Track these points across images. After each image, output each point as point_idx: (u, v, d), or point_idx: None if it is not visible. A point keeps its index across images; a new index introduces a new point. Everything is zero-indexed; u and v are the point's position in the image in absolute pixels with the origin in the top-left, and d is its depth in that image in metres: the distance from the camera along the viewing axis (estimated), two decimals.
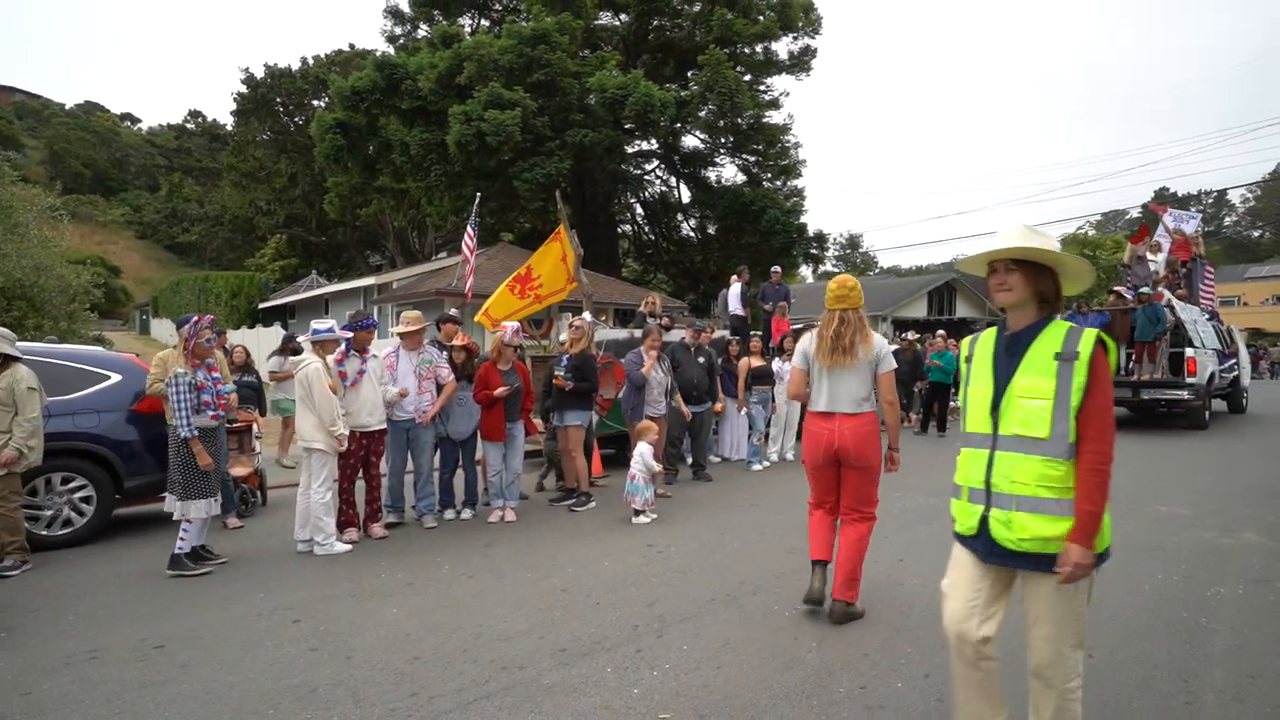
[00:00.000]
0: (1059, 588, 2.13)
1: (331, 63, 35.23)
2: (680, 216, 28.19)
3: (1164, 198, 61.27)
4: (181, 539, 4.69)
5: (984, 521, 2.22)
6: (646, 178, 28.49)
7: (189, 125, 53.45)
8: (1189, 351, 11.46)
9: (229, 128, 42.74)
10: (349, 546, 5.27)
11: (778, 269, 12.31)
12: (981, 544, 2.26)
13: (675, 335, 9.10)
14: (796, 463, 8.93)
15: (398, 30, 27.67)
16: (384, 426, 5.68)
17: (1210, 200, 75.13)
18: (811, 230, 23.78)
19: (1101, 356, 2.06)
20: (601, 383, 8.33)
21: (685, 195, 27.58)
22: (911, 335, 14.58)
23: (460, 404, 6.27)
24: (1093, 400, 2.05)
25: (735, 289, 11.32)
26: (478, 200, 12.77)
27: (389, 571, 4.76)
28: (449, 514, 6.37)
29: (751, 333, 10.88)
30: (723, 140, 24.34)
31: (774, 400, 8.87)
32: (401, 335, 5.99)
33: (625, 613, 3.92)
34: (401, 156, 20.82)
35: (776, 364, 8.85)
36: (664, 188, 28.80)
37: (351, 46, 36.46)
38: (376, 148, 22.34)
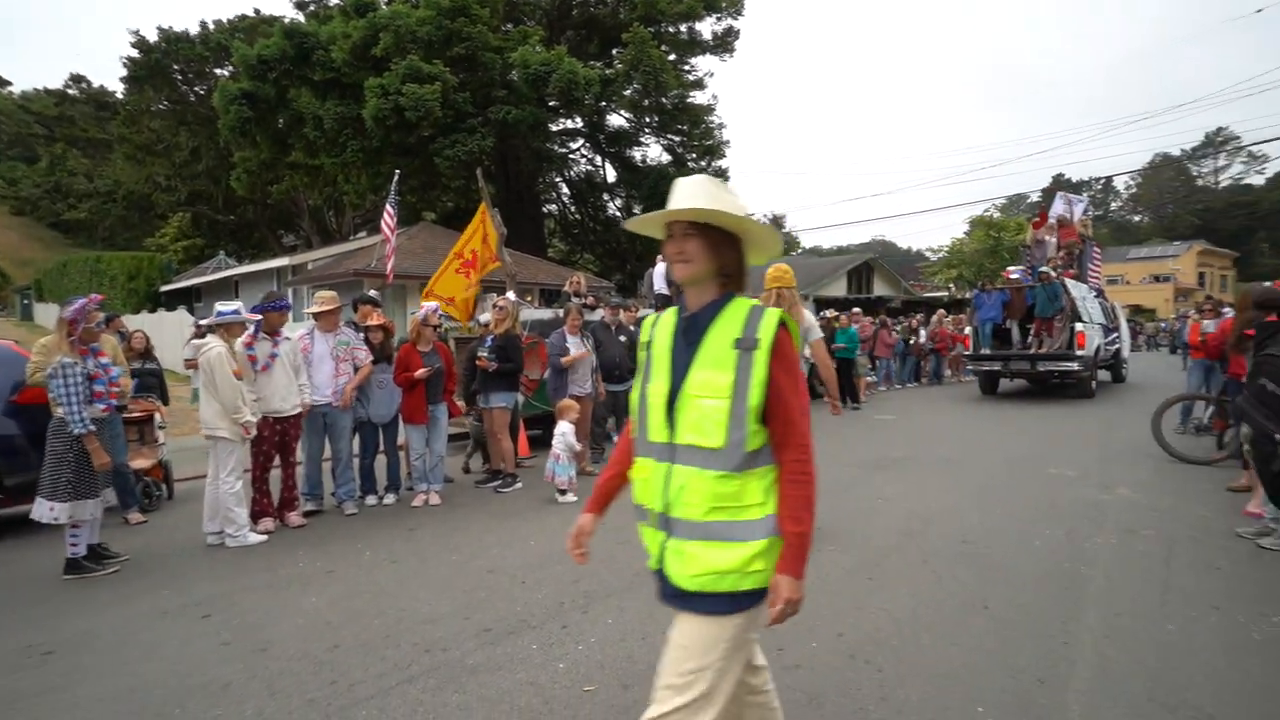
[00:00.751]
0: (707, 633, 1.67)
1: (235, 29, 32.90)
2: (606, 196, 28.06)
3: (1061, 183, 65.29)
4: (73, 544, 4.37)
5: (662, 552, 1.73)
6: (572, 156, 28.18)
7: (71, 91, 48.97)
8: (1078, 326, 12.33)
9: (119, 95, 39.46)
10: (264, 537, 5.08)
11: None
12: (659, 580, 1.78)
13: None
14: None
15: None
16: (299, 411, 5.48)
17: (1099, 186, 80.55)
18: None
19: (786, 341, 1.66)
20: (527, 363, 8.28)
21: (611, 174, 27.46)
22: (829, 313, 15.11)
23: (380, 386, 6.12)
24: (779, 396, 1.62)
25: (660, 268, 11.38)
26: (396, 177, 12.35)
27: (308, 560, 4.62)
28: (371, 500, 6.23)
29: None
30: (648, 120, 24.30)
31: None
32: (315, 316, 5.76)
33: (551, 591, 3.96)
34: (315, 131, 19.83)
35: None
36: (590, 167, 28.59)
37: (257, 12, 34.17)
38: (287, 121, 21.19)
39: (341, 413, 5.79)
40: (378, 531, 5.30)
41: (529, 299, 18.92)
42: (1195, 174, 78.19)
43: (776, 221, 73.63)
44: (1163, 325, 36.67)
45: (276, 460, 5.46)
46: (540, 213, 27.24)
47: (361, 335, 6.24)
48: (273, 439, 5.34)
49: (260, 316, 5.24)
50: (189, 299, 28.66)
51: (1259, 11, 69.24)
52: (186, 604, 3.92)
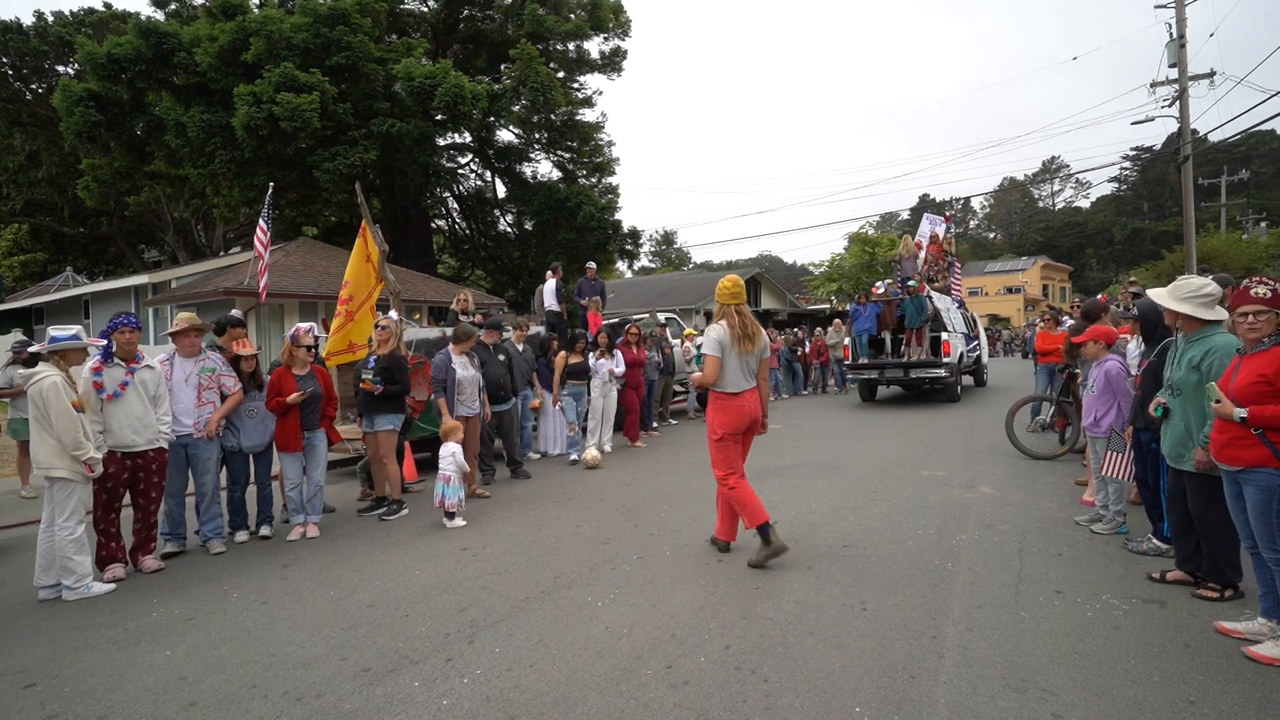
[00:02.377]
0: None
1: (80, 23, 29.87)
2: (497, 212, 27.68)
3: (927, 203, 70.74)
4: None
5: None
6: (461, 172, 27.62)
7: None
8: (944, 335, 13.37)
9: None
10: (112, 586, 4.58)
11: (592, 265, 12.50)
12: None
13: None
14: (614, 454, 9.19)
15: None
16: (157, 445, 4.96)
17: (960, 206, 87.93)
18: (626, 227, 24.47)
19: None
20: (413, 384, 7.98)
21: (501, 190, 27.12)
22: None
23: (251, 415, 5.70)
24: None
25: (550, 285, 11.36)
26: (271, 190, 11.65)
27: (163, 608, 4.20)
28: (242, 536, 5.76)
29: (578, 331, 10.97)
30: (537, 136, 24.22)
31: (588, 394, 9.02)
32: (172, 337, 5.29)
33: (436, 622, 3.80)
34: (177, 139, 18.29)
35: (592, 359, 9.00)
36: (479, 182, 28.11)
37: (108, 6, 31.26)
38: (145, 127, 19.44)
39: (205, 444, 5.33)
40: (247, 570, 4.91)
41: (417, 317, 18.30)
42: (1037, 197, 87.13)
43: (667, 238, 75.33)
44: (1016, 333, 40.32)
45: (126, 499, 4.95)
46: (428, 228, 26.45)
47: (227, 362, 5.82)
48: (121, 476, 4.81)
49: (105, 340, 4.74)
50: (26, 320, 25.63)
51: (1074, 59, 78.32)
52: (4, 672, 3.45)
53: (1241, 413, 3.04)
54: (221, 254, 27.47)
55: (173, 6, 24.20)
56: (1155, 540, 4.54)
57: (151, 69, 18.14)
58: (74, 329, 4.56)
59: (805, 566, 4.49)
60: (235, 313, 6.17)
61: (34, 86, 30.56)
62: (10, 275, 33.88)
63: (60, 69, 29.68)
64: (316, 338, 5.98)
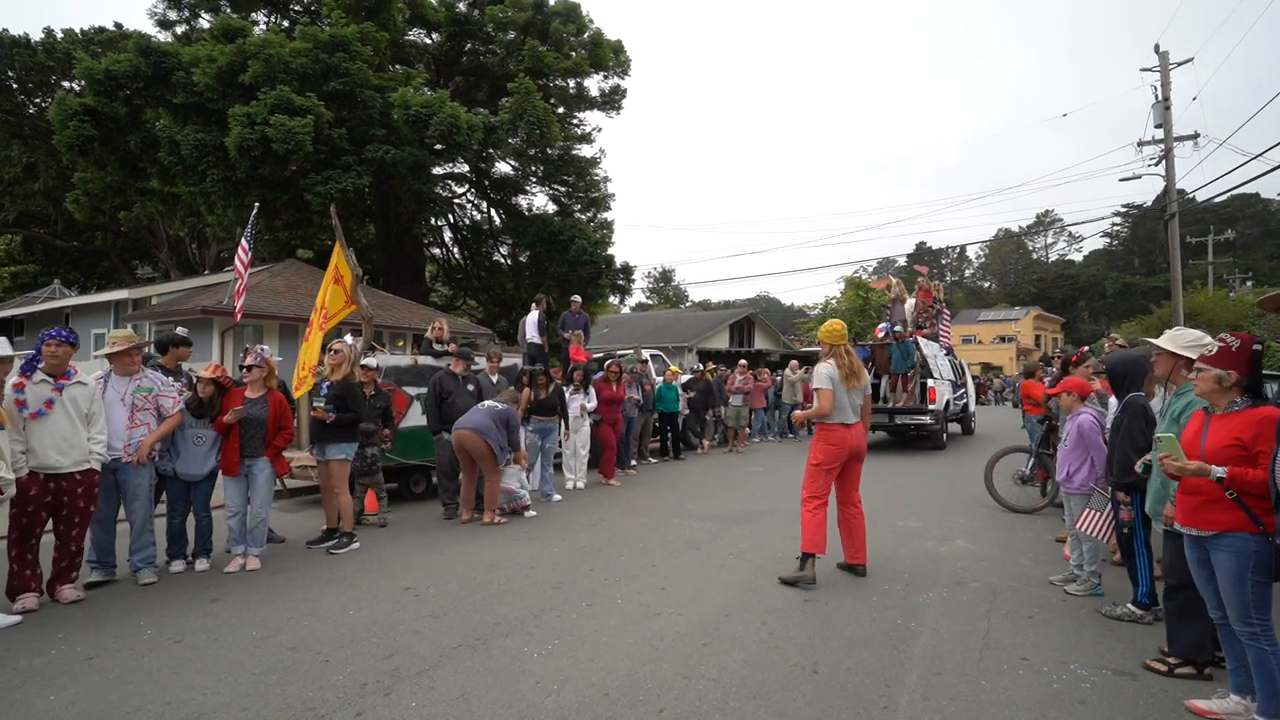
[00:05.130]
0: None
1: (90, 40, 30.19)
2: (493, 242, 27.70)
3: (923, 250, 71.51)
4: None
5: None
6: (458, 201, 27.72)
7: None
8: (930, 381, 13.23)
9: None
10: (17, 618, 4.26)
11: (577, 298, 12.37)
12: None
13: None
14: (586, 491, 8.92)
15: (172, 15, 24.55)
16: (85, 467, 4.66)
17: (955, 254, 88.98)
18: (619, 262, 24.46)
19: None
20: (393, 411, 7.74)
21: (498, 221, 27.20)
22: (709, 366, 15.41)
23: (198, 442, 5.44)
24: None
25: (533, 317, 11.21)
26: (255, 210, 11.59)
27: (66, 645, 3.90)
28: (177, 566, 5.47)
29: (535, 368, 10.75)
30: (533, 168, 24.36)
31: (564, 429, 8.79)
32: (109, 357, 5.07)
33: (356, 669, 3.52)
34: (170, 156, 18.28)
35: (566, 393, 8.80)
36: (477, 214, 28.20)
37: (118, 26, 31.69)
38: (140, 143, 19.46)
39: (135, 470, 5.05)
40: (171, 604, 4.62)
41: (400, 344, 18.12)
42: (1031, 248, 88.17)
43: (665, 275, 75.71)
44: (1007, 381, 40.29)
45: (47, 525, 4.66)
46: (421, 255, 26.42)
47: (177, 380, 5.60)
48: (43, 499, 4.52)
49: (33, 352, 4.52)
50: (7, 331, 25.34)
51: (1064, 115, 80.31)
52: None
53: (1220, 471, 2.85)
54: (205, 272, 27.33)
55: (180, 29, 24.51)
56: (1131, 605, 4.31)
57: (150, 87, 18.22)
58: None
59: (760, 621, 4.23)
60: (180, 331, 5.96)
61: (37, 100, 30.78)
62: None
63: (65, 84, 29.92)
64: (270, 358, 5.76)
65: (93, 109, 18.56)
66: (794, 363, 17.36)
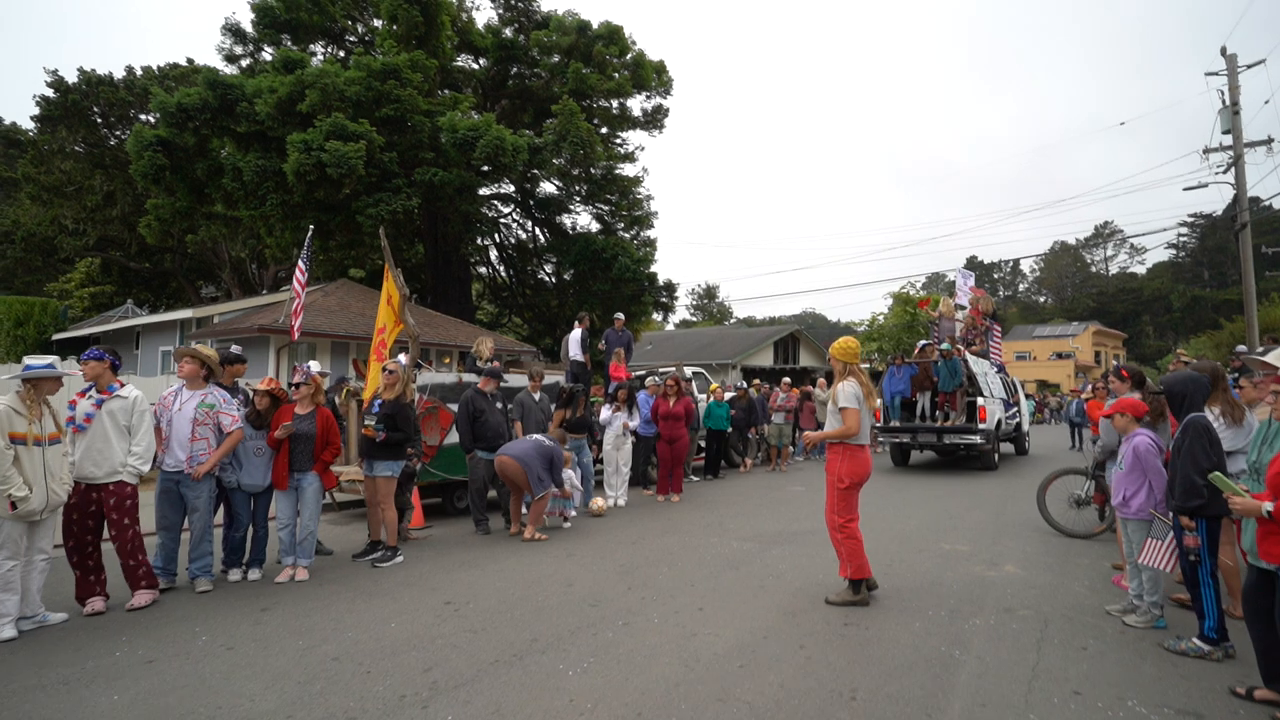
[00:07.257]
0: None
1: (165, 76, 32.15)
2: (537, 261, 28.18)
3: (974, 264, 69.71)
4: None
5: None
6: (503, 221, 28.32)
7: None
8: (980, 400, 12.84)
9: (32, 134, 37.62)
10: (63, 616, 4.52)
11: (620, 315, 12.45)
12: None
13: (518, 381, 8.93)
14: (627, 508, 8.93)
15: (238, 49, 25.94)
16: (116, 479, 4.79)
17: (1009, 269, 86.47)
18: (662, 279, 24.57)
19: None
20: (425, 429, 7.95)
21: (542, 240, 27.67)
22: (755, 382, 15.30)
23: (259, 453, 5.69)
24: None
25: (576, 334, 11.32)
26: (310, 232, 12.05)
27: (128, 648, 4.10)
28: (235, 575, 5.69)
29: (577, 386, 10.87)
30: (576, 188, 24.75)
31: (595, 446, 8.83)
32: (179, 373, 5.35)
33: (395, 681, 3.60)
34: (233, 182, 19.27)
35: (606, 412, 8.85)
36: (522, 234, 28.75)
37: (190, 62, 33.64)
38: (205, 170, 20.56)
39: (196, 482, 5.30)
40: (225, 613, 4.80)
41: (447, 361, 18.51)
42: (1089, 261, 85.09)
43: (709, 292, 75.67)
44: (1063, 399, 38.79)
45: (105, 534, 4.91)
46: (468, 274, 27.03)
47: (237, 398, 5.86)
48: (86, 508, 4.75)
49: (79, 372, 4.80)
50: (84, 348, 26.81)
51: (1122, 124, 77.45)
52: None
53: (1268, 506, 2.72)
54: (264, 291, 28.47)
55: (244, 62, 25.83)
56: (1197, 641, 4.08)
57: (216, 117, 19.24)
58: (49, 359, 4.50)
59: (798, 645, 4.16)
60: (235, 349, 6.24)
61: (118, 133, 32.80)
62: (79, 305, 35.70)
63: (142, 117, 31.82)
64: (317, 375, 5.98)
65: (165, 140, 19.67)
66: (821, 380, 16.95)
